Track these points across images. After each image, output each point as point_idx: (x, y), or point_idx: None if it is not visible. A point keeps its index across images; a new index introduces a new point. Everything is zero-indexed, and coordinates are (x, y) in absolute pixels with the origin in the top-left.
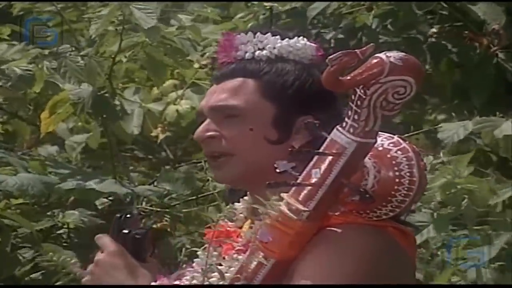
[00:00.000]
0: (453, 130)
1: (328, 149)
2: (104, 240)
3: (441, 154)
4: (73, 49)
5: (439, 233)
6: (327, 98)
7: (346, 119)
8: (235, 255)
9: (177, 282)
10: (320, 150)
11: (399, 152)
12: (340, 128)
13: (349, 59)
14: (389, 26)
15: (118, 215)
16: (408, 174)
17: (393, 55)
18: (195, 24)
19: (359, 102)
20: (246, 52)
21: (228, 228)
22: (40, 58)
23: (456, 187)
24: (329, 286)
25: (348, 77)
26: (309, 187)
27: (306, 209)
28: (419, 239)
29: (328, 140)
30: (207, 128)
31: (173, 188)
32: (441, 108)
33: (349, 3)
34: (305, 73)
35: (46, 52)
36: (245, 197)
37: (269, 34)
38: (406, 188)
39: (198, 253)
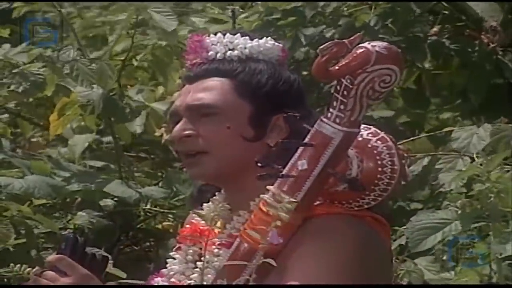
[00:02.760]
0: (467, 140)
1: (314, 140)
2: (69, 261)
3: (475, 155)
4: (76, 50)
5: (464, 230)
6: (298, 96)
7: (331, 110)
8: (216, 250)
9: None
10: (306, 141)
11: (379, 141)
12: (325, 119)
13: (339, 49)
14: (389, 25)
15: (70, 235)
16: (389, 163)
17: (378, 45)
18: (206, 27)
19: (345, 92)
20: (217, 53)
21: (201, 227)
22: (49, 61)
23: (484, 185)
24: (328, 286)
25: (337, 67)
26: (296, 179)
27: (294, 200)
28: (440, 236)
29: (312, 131)
30: (184, 127)
31: (179, 189)
32: (444, 108)
33: (348, 2)
34: (276, 72)
35: (48, 52)
36: (215, 197)
37: (238, 34)
38: (388, 177)
39: (171, 253)
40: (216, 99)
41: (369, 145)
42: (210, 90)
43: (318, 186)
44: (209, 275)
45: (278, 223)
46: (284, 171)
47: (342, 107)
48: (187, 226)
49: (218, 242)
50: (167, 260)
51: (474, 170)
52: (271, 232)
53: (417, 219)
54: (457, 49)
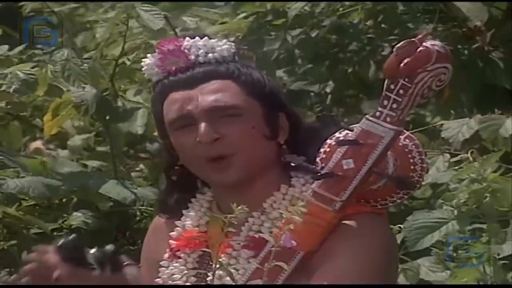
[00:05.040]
0: (456, 129)
1: (360, 139)
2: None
3: (468, 153)
4: (71, 50)
5: (460, 230)
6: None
7: (380, 109)
8: (234, 252)
9: None
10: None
11: (407, 140)
12: (372, 118)
13: (411, 47)
14: (383, 25)
15: (59, 243)
16: (419, 161)
17: (436, 44)
18: (199, 27)
19: (401, 91)
20: (198, 56)
21: (198, 233)
22: (41, 61)
23: (480, 184)
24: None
25: (402, 65)
26: (341, 178)
27: (340, 199)
28: (437, 235)
29: (357, 130)
30: (210, 131)
31: None
32: (439, 108)
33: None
34: (261, 72)
35: (41, 52)
36: (200, 200)
37: (206, 37)
38: (418, 175)
39: (161, 262)
40: (237, 100)
41: (400, 144)
42: (223, 92)
43: (362, 185)
44: (227, 278)
45: (291, 226)
46: (327, 170)
47: (394, 106)
48: (172, 233)
49: (236, 245)
50: (160, 269)
51: (470, 170)
52: (283, 236)
53: (414, 219)
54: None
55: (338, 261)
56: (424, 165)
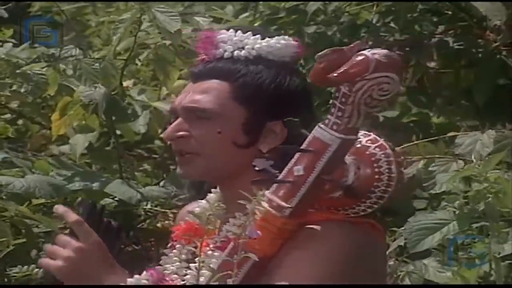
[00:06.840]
0: (470, 146)
1: (311, 146)
2: (86, 228)
3: (472, 156)
4: (77, 50)
5: (461, 230)
6: (300, 100)
7: (329, 116)
8: (209, 252)
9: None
10: (303, 147)
11: (377, 149)
12: (322, 126)
13: (337, 56)
14: (392, 24)
15: (88, 201)
16: (387, 170)
17: (378, 52)
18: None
19: (343, 99)
20: (225, 51)
21: (196, 226)
22: (51, 60)
23: (482, 185)
24: (318, 286)
25: (335, 74)
26: (291, 184)
27: (289, 205)
28: (438, 236)
29: (310, 137)
30: (178, 128)
31: (181, 189)
32: (446, 109)
33: (350, 1)
34: (280, 75)
35: (51, 51)
36: (210, 196)
37: (249, 33)
38: (385, 184)
39: (165, 251)
40: (212, 104)
41: (367, 152)
42: (207, 93)
43: (313, 192)
44: (202, 278)
45: (257, 217)
46: (280, 176)
47: (339, 114)
48: (181, 222)
49: (212, 244)
50: (162, 257)
51: (471, 171)
52: (248, 227)
53: (415, 220)
54: (462, 48)
55: (294, 265)
56: (393, 175)
